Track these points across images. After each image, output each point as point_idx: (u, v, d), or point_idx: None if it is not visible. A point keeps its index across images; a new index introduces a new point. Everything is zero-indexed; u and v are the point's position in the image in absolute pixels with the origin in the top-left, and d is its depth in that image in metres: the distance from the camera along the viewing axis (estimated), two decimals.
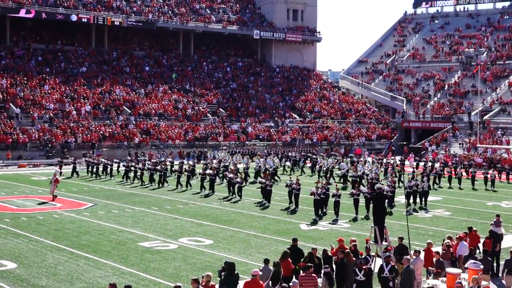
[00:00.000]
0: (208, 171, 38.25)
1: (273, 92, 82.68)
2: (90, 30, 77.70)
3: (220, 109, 73.74)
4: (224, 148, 62.54)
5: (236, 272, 13.67)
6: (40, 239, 22.24)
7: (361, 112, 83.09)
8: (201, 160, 55.07)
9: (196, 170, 42.43)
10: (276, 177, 41.69)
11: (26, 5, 70.62)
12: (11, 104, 60.21)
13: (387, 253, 15.86)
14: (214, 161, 46.76)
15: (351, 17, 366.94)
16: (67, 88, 66.51)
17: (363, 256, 15.65)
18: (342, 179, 42.75)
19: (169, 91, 73.50)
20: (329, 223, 26.11)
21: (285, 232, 24.12)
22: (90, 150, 55.30)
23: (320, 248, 18.34)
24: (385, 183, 32.70)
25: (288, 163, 52.69)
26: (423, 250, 16.42)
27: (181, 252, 20.45)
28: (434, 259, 15.75)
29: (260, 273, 13.56)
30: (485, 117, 71.16)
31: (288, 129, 72.45)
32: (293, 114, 77.81)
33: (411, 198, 31.10)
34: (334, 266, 15.56)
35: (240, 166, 43.90)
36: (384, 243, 16.12)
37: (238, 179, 34.59)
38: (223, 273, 13.93)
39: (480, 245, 18.63)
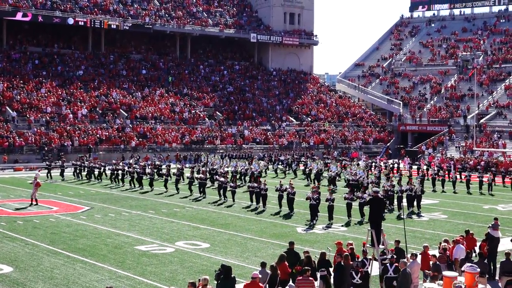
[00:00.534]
0: (198, 175, 37.92)
1: (270, 95, 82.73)
2: (87, 33, 77.67)
3: (217, 112, 73.76)
4: (221, 151, 62.55)
5: (232, 276, 13.66)
6: (37, 243, 22.18)
7: (358, 115, 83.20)
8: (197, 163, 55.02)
9: (184, 174, 41.97)
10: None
11: (23, 9, 70.62)
12: (7, 107, 60.14)
13: (390, 254, 15.88)
14: (203, 164, 46.81)
15: (347, 21, 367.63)
16: (64, 91, 66.46)
17: (360, 259, 15.65)
18: (329, 182, 42.76)
19: (166, 95, 73.51)
20: (323, 228, 25.97)
21: (282, 236, 24.09)
22: (87, 154, 55.28)
23: (315, 251, 18.38)
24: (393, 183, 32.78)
25: (280, 166, 52.61)
26: (420, 254, 16.42)
27: (178, 256, 20.40)
28: (431, 262, 15.75)
29: (260, 276, 13.56)
30: (482, 121, 71.31)
31: (285, 132, 72.50)
32: (290, 118, 77.89)
33: (404, 201, 30.88)
34: (331, 269, 15.57)
35: (228, 169, 43.48)
36: (381, 246, 16.12)
37: (231, 183, 34.37)
38: (220, 277, 13.91)
39: (477, 248, 18.66)
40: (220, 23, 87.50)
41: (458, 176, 44.67)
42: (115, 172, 42.64)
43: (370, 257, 16.06)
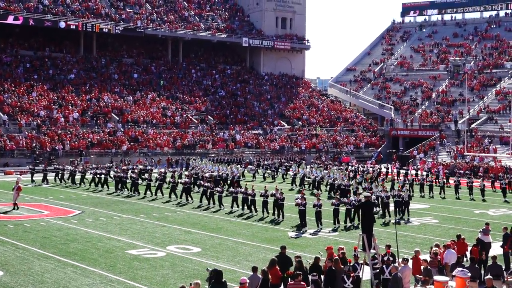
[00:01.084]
0: (182, 180, 37.61)
1: (262, 99, 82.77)
2: (78, 37, 77.49)
3: (209, 116, 73.73)
4: (213, 155, 62.51)
5: (223, 280, 13.66)
6: (27, 247, 22.10)
7: (349, 120, 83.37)
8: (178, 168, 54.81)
9: (167, 178, 41.21)
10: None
11: (14, 12, 70.42)
12: None
13: (386, 256, 15.94)
14: (191, 169, 46.60)
15: (339, 26, 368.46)
16: (55, 95, 66.31)
17: (351, 264, 15.67)
18: (312, 185, 42.65)
19: (158, 99, 73.42)
20: (311, 234, 25.86)
21: (273, 240, 24.11)
22: (78, 157, 55.15)
23: (306, 255, 18.40)
24: (375, 190, 32.63)
25: (269, 171, 52.59)
26: (411, 258, 16.45)
27: (169, 260, 20.38)
28: (422, 267, 15.79)
29: (248, 280, 13.54)
30: (473, 126, 71.58)
31: (277, 136, 72.54)
32: (282, 122, 77.93)
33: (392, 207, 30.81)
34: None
35: (213, 174, 43.24)
36: (372, 250, 16.15)
37: (218, 188, 34.16)
38: (212, 281, 13.91)
39: (468, 253, 18.70)
40: (212, 27, 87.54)
41: (445, 181, 44.63)
42: (96, 176, 42.62)
43: (362, 261, 16.08)
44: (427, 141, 71.67)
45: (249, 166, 55.64)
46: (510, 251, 19.51)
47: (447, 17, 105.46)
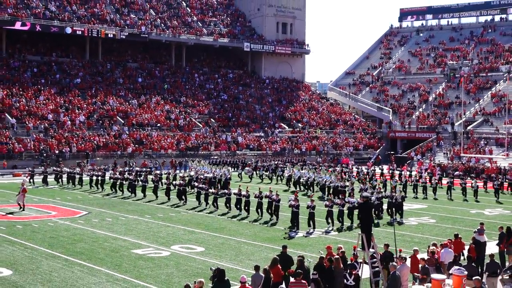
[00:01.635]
0: (177, 181, 37.39)
1: (263, 103, 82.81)
2: (84, 42, 77.61)
3: (211, 119, 73.77)
4: (215, 157, 62.52)
5: (226, 278, 13.68)
6: (35, 247, 22.13)
7: (348, 122, 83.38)
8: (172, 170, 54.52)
9: (162, 180, 40.99)
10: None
11: (22, 18, 70.54)
12: (6, 114, 59.99)
13: (398, 253, 15.96)
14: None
15: (338, 30, 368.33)
16: (62, 99, 66.38)
17: (351, 262, 15.68)
18: (304, 186, 42.47)
19: (162, 102, 73.49)
20: (304, 235, 25.56)
21: (275, 240, 24.12)
22: (85, 160, 55.19)
23: (307, 254, 18.42)
24: (370, 191, 32.49)
25: (266, 173, 52.40)
26: (409, 257, 16.46)
27: (173, 259, 20.39)
28: (420, 266, 15.79)
29: (248, 278, 13.56)
30: (469, 128, 71.56)
31: (278, 139, 72.55)
32: (283, 125, 77.96)
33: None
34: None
35: (208, 176, 42.89)
36: (371, 249, 16.15)
37: (212, 190, 33.88)
38: (215, 280, 13.94)
39: (465, 252, 18.70)
40: (215, 33, 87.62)
41: (438, 182, 44.36)
42: (93, 178, 42.57)
43: (361, 260, 16.09)
44: (425, 143, 71.63)
45: (246, 168, 55.57)
46: (505, 249, 19.55)
47: (443, 21, 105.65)
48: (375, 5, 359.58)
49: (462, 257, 18.57)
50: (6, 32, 71.39)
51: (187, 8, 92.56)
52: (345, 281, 14.98)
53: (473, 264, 16.22)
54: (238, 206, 31.03)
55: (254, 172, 54.04)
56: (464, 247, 19.11)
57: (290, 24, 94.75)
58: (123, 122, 66.14)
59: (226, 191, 33.02)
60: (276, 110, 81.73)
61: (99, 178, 42.17)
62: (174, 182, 37.78)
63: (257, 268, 14.43)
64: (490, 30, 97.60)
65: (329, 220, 27.20)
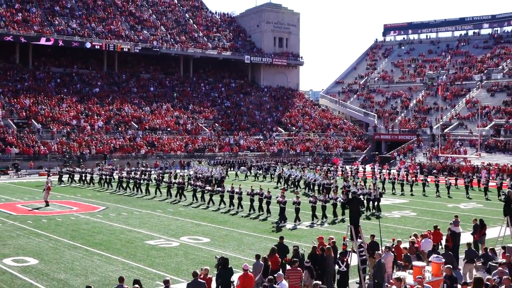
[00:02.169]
0: (176, 180, 37.18)
1: (262, 109, 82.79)
2: (102, 55, 77.64)
3: (216, 124, 73.74)
4: (219, 158, 62.49)
5: (229, 266, 13.67)
6: (59, 238, 22.14)
7: (338, 126, 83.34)
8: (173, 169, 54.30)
9: (165, 179, 40.47)
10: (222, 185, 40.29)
11: (46, 34, 70.56)
12: (33, 120, 59.98)
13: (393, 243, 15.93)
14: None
15: (329, 44, 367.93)
16: (82, 106, 66.37)
17: (342, 251, 15.68)
18: (294, 184, 42.41)
19: (172, 109, 73.47)
20: (290, 229, 25.41)
21: (273, 231, 24.12)
22: (103, 160, 55.17)
23: (302, 244, 18.41)
24: (353, 188, 32.28)
25: (260, 172, 52.32)
26: (393, 246, 16.44)
27: (182, 249, 20.38)
28: (403, 254, 15.79)
29: (250, 266, 13.55)
30: (445, 130, 71.51)
31: (275, 141, 72.50)
32: (279, 128, 77.91)
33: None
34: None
35: (206, 175, 42.79)
36: (358, 240, 16.14)
37: (208, 187, 33.65)
38: (219, 267, 13.94)
39: (443, 241, 18.72)
40: (218, 47, 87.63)
41: (414, 179, 44.22)
42: (102, 177, 42.45)
43: (350, 249, 16.08)
44: (406, 144, 71.60)
45: (242, 168, 55.34)
46: (479, 239, 19.56)
47: (423, 36, 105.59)
48: (362, 21, 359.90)
49: (440, 246, 18.58)
50: (33, 47, 71.42)
51: (194, 25, 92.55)
52: (337, 267, 15.03)
53: (450, 252, 16.21)
54: (232, 202, 30.87)
55: (249, 171, 53.95)
56: (442, 237, 19.13)
57: (286, 38, 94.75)
58: (137, 126, 66.10)
59: (220, 188, 32.97)
60: (273, 115, 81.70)
61: (107, 177, 41.97)
62: (173, 181, 37.58)
63: (257, 257, 14.42)
64: (464, 44, 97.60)
65: (315, 214, 27.02)
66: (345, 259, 15.00)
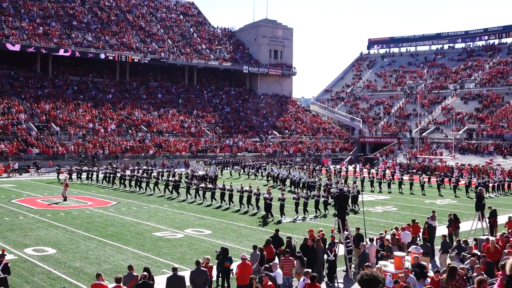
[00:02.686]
0: (173, 178, 37.06)
1: (259, 114, 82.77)
2: (115, 65, 77.55)
3: (217, 127, 73.70)
4: (220, 158, 62.43)
5: (229, 256, 13.64)
6: (75, 230, 22.07)
7: (327, 130, 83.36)
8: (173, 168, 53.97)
9: (163, 177, 40.39)
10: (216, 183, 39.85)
11: (64, 46, 70.45)
12: (52, 123, 59.86)
13: (385, 234, 15.85)
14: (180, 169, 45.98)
15: (319, 56, 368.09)
16: (97, 111, 66.24)
17: (331, 242, 15.66)
18: (281, 182, 42.29)
19: (177, 114, 73.39)
20: (275, 223, 25.10)
21: (268, 224, 24.08)
22: (115, 160, 55.07)
23: (294, 236, 18.39)
24: (335, 186, 31.94)
25: (252, 171, 52.16)
26: (376, 238, 16.43)
27: (186, 240, 20.33)
28: (385, 245, 15.77)
29: (248, 256, 13.53)
30: (423, 134, 71.67)
31: (271, 143, 72.49)
32: (274, 132, 77.90)
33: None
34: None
35: (202, 173, 42.59)
36: (345, 232, 16.14)
37: (202, 185, 33.47)
38: (220, 256, 13.91)
39: (421, 234, 18.71)
40: (220, 58, 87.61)
41: (392, 178, 44.26)
42: (109, 175, 41.97)
43: (337, 241, 16.07)
44: (388, 146, 71.70)
45: (235, 167, 55.11)
46: (453, 232, 19.56)
47: (403, 49, 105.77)
48: (348, 36, 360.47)
49: (418, 238, 18.57)
50: (52, 58, 71.29)
51: (198, 39, 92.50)
52: (326, 256, 15.02)
53: (427, 243, 16.21)
54: (223, 199, 30.70)
55: (243, 170, 53.81)
56: (420, 230, 19.12)
57: (280, 51, 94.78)
58: (146, 129, 66.01)
59: (212, 186, 32.83)
60: (269, 120, 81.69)
61: (111, 175, 41.74)
62: (170, 179, 37.29)
63: (254, 247, 14.41)
64: (440, 56, 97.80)
65: (298, 210, 26.82)
66: (333, 250, 15.01)
